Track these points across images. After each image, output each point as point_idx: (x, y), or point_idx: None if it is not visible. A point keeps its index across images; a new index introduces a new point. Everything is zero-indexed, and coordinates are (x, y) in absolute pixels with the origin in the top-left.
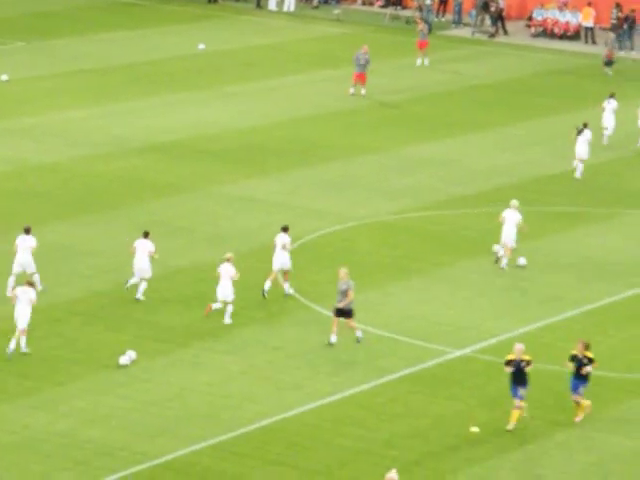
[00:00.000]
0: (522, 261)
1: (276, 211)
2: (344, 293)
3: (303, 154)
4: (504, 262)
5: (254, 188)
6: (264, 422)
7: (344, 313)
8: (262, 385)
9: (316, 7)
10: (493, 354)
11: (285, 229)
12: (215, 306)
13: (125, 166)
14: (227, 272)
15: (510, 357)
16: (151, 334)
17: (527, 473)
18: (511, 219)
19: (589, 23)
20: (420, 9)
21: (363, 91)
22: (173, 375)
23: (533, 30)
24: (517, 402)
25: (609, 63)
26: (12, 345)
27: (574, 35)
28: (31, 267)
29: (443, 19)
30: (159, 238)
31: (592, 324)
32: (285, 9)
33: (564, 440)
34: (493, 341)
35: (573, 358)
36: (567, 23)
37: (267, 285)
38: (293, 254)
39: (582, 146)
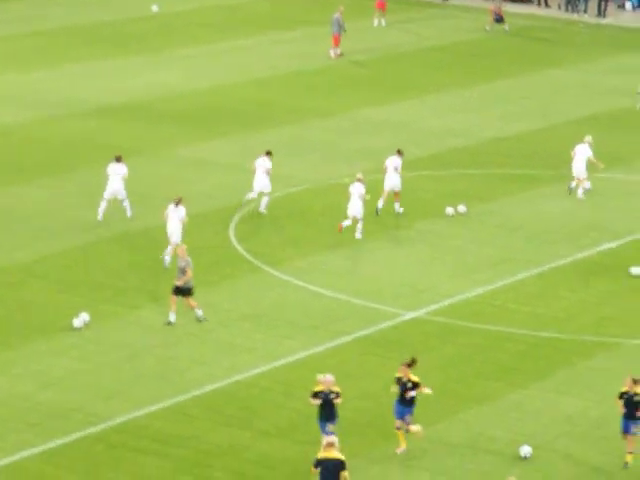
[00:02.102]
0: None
1: (230, 174)
2: (182, 270)
3: (258, 116)
4: (580, 192)
5: (209, 150)
6: (216, 384)
7: (182, 291)
8: (214, 347)
9: None
10: (447, 316)
11: (399, 152)
12: (346, 223)
13: (79, 129)
14: (357, 191)
15: (317, 388)
16: (104, 296)
17: (480, 434)
18: (582, 153)
19: None
20: None
21: (338, 51)
22: (126, 337)
23: None
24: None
25: (499, 20)
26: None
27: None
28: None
29: None
30: (114, 201)
31: (543, 286)
32: None
33: (517, 401)
34: (446, 303)
35: (397, 381)
36: None
37: (380, 204)
38: (248, 217)
39: None
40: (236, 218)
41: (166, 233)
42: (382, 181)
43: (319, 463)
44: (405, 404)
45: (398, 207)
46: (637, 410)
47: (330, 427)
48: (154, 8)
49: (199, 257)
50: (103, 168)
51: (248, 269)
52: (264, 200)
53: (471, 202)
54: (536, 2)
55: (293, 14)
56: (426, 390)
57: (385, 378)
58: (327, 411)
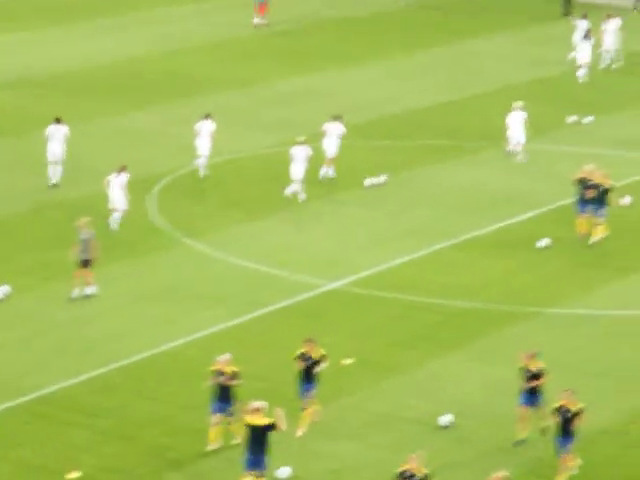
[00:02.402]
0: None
1: (152, 144)
2: (86, 243)
3: (179, 86)
4: (519, 157)
5: (129, 121)
6: (138, 356)
7: (85, 263)
8: (136, 320)
9: None
10: (364, 287)
11: (339, 118)
12: (290, 189)
13: (2, 99)
14: (300, 154)
15: (214, 367)
16: (24, 269)
17: (398, 403)
18: (517, 119)
19: None
20: None
21: (264, 21)
22: (47, 310)
23: None
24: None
25: None
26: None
27: None
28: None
29: None
30: (36, 171)
31: (460, 257)
32: None
33: (436, 371)
34: (364, 274)
35: (301, 356)
36: None
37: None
38: (166, 188)
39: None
40: (156, 189)
41: (108, 200)
42: (284, 159)
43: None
44: (310, 381)
45: (332, 172)
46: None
47: (228, 408)
48: None
49: (119, 229)
50: (28, 137)
51: (167, 241)
52: (201, 166)
53: (390, 173)
54: None
55: None
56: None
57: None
58: (222, 393)
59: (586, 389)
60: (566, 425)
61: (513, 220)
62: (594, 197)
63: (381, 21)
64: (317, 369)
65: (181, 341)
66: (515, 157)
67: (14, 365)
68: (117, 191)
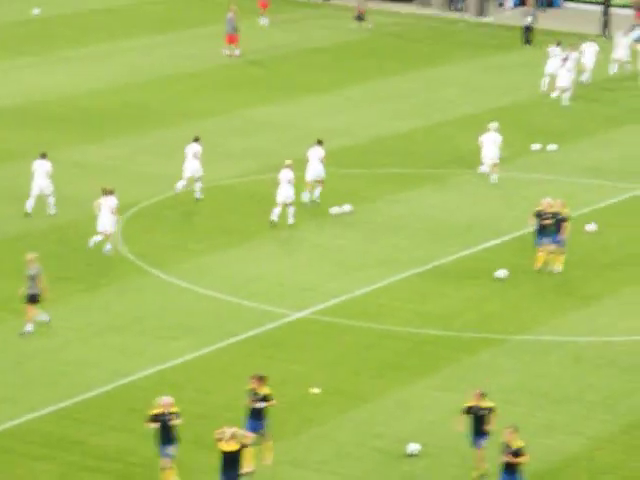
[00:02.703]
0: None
1: (112, 176)
2: (33, 278)
3: (141, 118)
4: (492, 178)
5: (90, 153)
6: (104, 388)
7: (33, 299)
8: (102, 351)
9: None
10: (332, 315)
11: (320, 142)
12: (274, 215)
13: None
14: (286, 177)
15: (155, 411)
16: None
17: (366, 432)
18: (490, 140)
19: None
20: None
21: (237, 52)
22: (11, 343)
23: None
24: (164, 462)
25: (360, 18)
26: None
27: None
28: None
29: None
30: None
31: (427, 284)
32: None
33: (404, 399)
34: (332, 302)
35: (250, 392)
36: None
37: (306, 196)
38: (132, 218)
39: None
40: (122, 219)
41: (96, 223)
42: (250, 189)
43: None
44: (256, 418)
45: (317, 195)
46: (483, 424)
47: (171, 449)
48: (35, 11)
49: (85, 259)
50: None
51: (134, 271)
52: (197, 185)
53: (356, 201)
54: (419, 3)
55: (183, 17)
56: (273, 403)
57: (272, 378)
58: (165, 433)
59: (553, 415)
60: (507, 463)
61: (478, 247)
62: (552, 227)
63: (347, 50)
64: (262, 405)
65: (148, 371)
66: (489, 178)
67: None
68: (105, 214)
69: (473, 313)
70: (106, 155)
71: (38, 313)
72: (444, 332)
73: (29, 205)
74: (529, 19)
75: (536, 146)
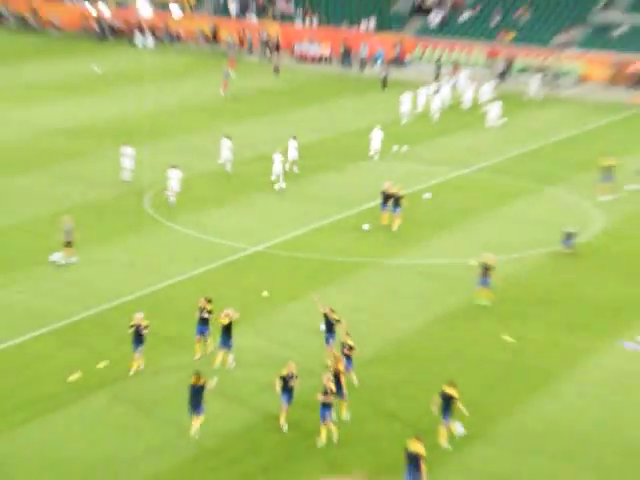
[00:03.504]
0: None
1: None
2: (68, 232)
3: (169, 130)
4: (376, 157)
5: (150, 151)
6: (112, 303)
7: (69, 244)
8: (118, 274)
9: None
10: (274, 249)
11: (295, 137)
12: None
13: None
14: (278, 157)
15: (132, 323)
16: None
17: (299, 321)
18: (377, 134)
19: (327, 52)
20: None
21: (224, 91)
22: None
23: (295, 56)
24: (136, 356)
25: (276, 70)
26: None
27: (319, 59)
28: None
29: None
30: None
31: (328, 232)
32: (147, 46)
33: (322, 297)
34: (274, 242)
35: (199, 310)
36: (314, 52)
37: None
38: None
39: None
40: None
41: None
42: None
43: None
44: (202, 324)
45: (296, 169)
46: (332, 326)
47: (140, 349)
48: (95, 68)
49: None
50: None
51: (155, 222)
52: (227, 165)
53: (288, 180)
54: (324, 62)
55: (195, 69)
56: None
57: (237, 287)
58: (137, 338)
59: (402, 305)
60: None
61: (355, 211)
62: (392, 201)
63: (279, 91)
64: (206, 316)
65: (165, 283)
66: (373, 158)
67: None
68: (174, 181)
69: (354, 248)
70: (156, 150)
71: (72, 253)
72: (339, 258)
73: (125, 175)
74: (384, 73)
75: (395, 147)
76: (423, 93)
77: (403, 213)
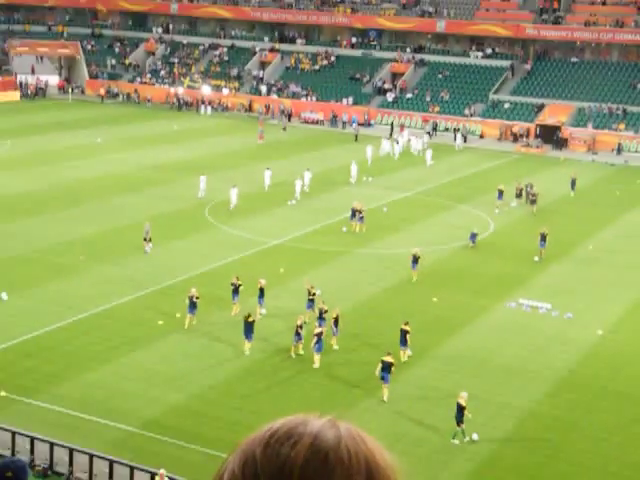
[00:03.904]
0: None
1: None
2: (147, 232)
3: (213, 167)
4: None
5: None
6: (169, 282)
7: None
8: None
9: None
10: (288, 242)
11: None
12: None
13: None
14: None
15: (189, 294)
16: None
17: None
18: (354, 166)
19: (321, 117)
20: (259, 112)
21: (261, 142)
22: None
23: (301, 120)
24: (190, 317)
25: (261, 137)
26: None
27: (316, 122)
28: None
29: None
30: None
31: (317, 233)
32: (207, 113)
33: (313, 277)
34: (287, 238)
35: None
36: (313, 117)
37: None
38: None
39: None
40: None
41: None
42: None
43: None
44: (234, 292)
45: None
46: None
47: (194, 312)
48: (98, 140)
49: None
50: None
51: (211, 225)
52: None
53: (299, 198)
54: (319, 124)
55: (236, 128)
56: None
57: (260, 267)
58: (192, 305)
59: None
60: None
61: (334, 220)
62: (357, 214)
63: (302, 141)
64: (238, 285)
65: (216, 264)
66: (351, 183)
67: None
68: (233, 195)
69: (337, 242)
70: (213, 179)
71: (149, 246)
72: (328, 248)
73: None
74: (356, 131)
75: (364, 178)
76: (385, 143)
77: (367, 221)
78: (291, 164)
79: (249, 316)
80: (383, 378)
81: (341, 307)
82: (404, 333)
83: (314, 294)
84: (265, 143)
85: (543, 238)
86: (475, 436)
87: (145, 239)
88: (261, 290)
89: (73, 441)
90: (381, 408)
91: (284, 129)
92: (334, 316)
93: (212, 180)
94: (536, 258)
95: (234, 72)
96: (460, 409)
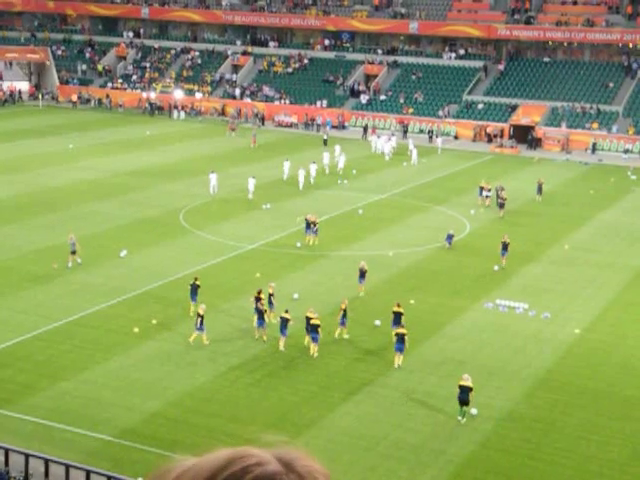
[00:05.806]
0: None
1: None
2: (74, 244)
3: (199, 169)
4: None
5: (180, 185)
6: (150, 285)
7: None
8: (160, 259)
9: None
10: (264, 246)
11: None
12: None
13: None
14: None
15: (191, 282)
16: None
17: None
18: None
19: (295, 120)
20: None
21: (254, 145)
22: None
23: (274, 123)
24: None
25: (232, 129)
26: None
27: (290, 125)
28: None
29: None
30: None
31: (292, 236)
32: (180, 118)
33: (303, 274)
34: (262, 242)
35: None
36: (287, 120)
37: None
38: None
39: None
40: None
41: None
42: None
43: None
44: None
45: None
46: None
47: (196, 299)
48: (70, 146)
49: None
50: None
51: (187, 231)
52: (250, 190)
53: (274, 201)
54: (292, 127)
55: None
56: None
57: (238, 270)
58: (193, 291)
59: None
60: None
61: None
62: (314, 227)
63: (275, 144)
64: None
65: (192, 269)
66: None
67: None
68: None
69: (313, 246)
70: (187, 184)
71: (75, 259)
72: (303, 252)
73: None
74: (326, 134)
75: (339, 181)
76: (377, 142)
77: (343, 223)
78: (258, 168)
79: (261, 300)
80: (399, 349)
81: (319, 311)
82: (398, 315)
83: (272, 295)
84: (257, 146)
85: (505, 247)
86: (474, 411)
87: (72, 252)
88: (270, 295)
89: (49, 452)
90: (358, 411)
91: (255, 134)
92: (342, 307)
93: (183, 185)
94: (496, 267)
95: (206, 76)
96: (465, 390)
